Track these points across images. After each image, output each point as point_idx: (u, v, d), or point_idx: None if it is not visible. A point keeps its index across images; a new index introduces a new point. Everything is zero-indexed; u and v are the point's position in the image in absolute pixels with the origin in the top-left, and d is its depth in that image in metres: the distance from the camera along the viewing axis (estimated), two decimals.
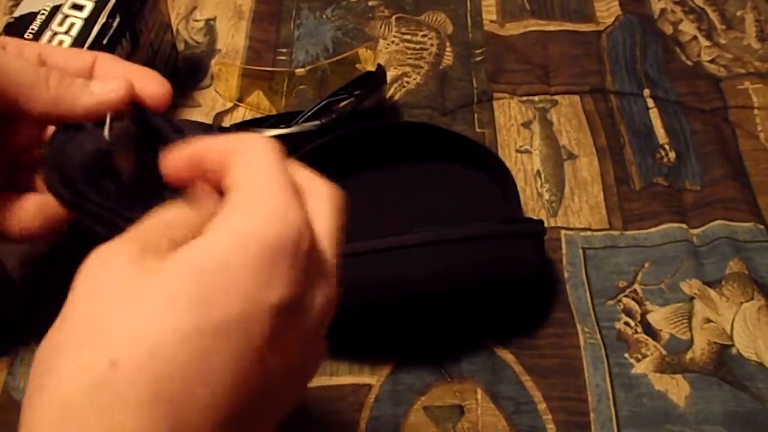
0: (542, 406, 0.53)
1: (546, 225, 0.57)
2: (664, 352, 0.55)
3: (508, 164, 0.61)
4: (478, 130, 0.68)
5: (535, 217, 0.61)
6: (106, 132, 0.34)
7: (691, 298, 0.57)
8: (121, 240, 0.28)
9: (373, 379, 0.54)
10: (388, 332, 0.56)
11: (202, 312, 0.25)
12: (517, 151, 0.67)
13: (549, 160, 0.66)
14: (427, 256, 0.51)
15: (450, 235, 0.51)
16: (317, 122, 0.63)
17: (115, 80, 0.35)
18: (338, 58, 0.73)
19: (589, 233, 0.61)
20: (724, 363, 0.54)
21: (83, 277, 0.27)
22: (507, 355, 0.55)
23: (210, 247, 0.26)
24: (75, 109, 0.34)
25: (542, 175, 0.65)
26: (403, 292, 0.51)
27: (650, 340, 0.55)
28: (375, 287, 0.51)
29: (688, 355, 0.55)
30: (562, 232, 0.61)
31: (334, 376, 0.55)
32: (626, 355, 0.55)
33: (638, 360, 0.55)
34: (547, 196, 0.64)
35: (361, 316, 0.53)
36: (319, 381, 0.54)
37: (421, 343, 0.56)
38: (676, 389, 0.53)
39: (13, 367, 0.56)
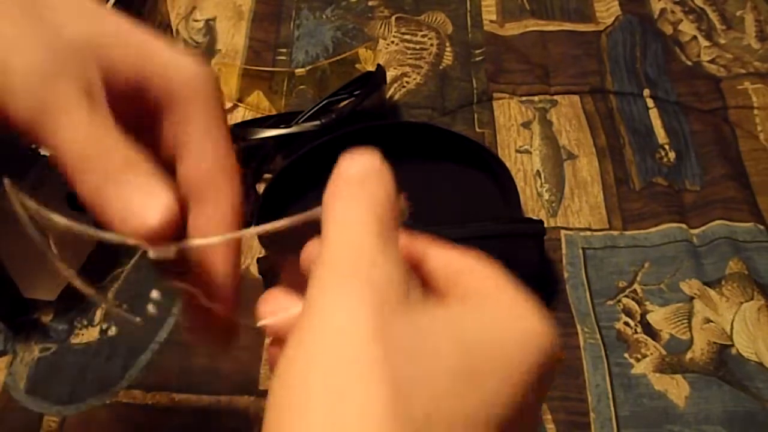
0: (542, 406, 0.53)
1: (546, 225, 0.57)
2: (664, 352, 0.55)
3: (507, 164, 0.61)
4: (478, 130, 0.68)
5: (534, 218, 0.61)
6: None
7: (691, 298, 0.57)
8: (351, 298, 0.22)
9: None
10: None
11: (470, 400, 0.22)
12: (517, 151, 0.67)
13: (549, 160, 0.66)
14: None
15: (449, 236, 0.51)
16: (317, 122, 0.63)
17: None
18: (338, 58, 0.73)
19: (588, 233, 0.61)
20: (724, 363, 0.54)
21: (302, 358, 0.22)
22: None
23: (491, 324, 0.24)
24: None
25: (542, 175, 0.65)
26: None
27: (650, 340, 0.55)
28: None
29: (688, 355, 0.55)
30: (562, 232, 0.61)
31: None
32: (626, 355, 0.55)
33: (638, 360, 0.54)
34: (546, 196, 0.64)
35: None
36: None
37: None
38: (676, 389, 0.53)
39: (12, 367, 0.56)
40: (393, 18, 0.78)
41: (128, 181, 0.26)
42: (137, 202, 0.26)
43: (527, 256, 0.53)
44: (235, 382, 0.55)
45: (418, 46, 0.76)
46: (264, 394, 0.54)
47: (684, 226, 0.61)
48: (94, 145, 0.27)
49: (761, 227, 0.61)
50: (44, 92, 0.27)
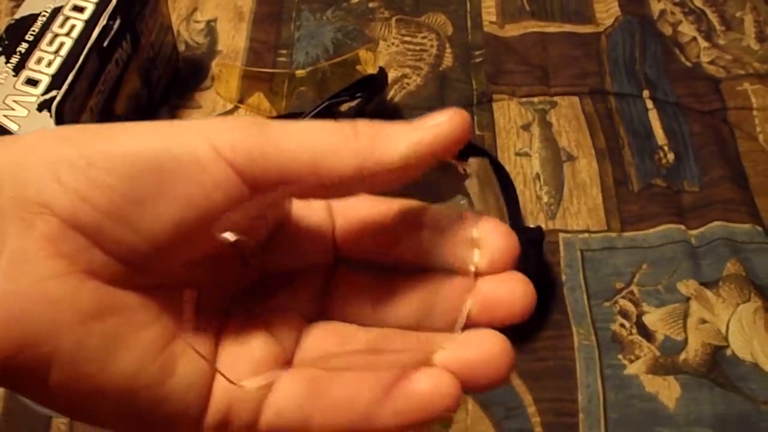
0: (531, 409, 0.53)
1: (544, 227, 0.58)
2: (658, 353, 0.55)
3: (507, 167, 0.61)
4: (477, 132, 0.69)
5: (533, 224, 0.61)
6: None
7: (688, 299, 0.57)
8: None
9: None
10: None
11: None
12: (517, 154, 0.67)
13: (548, 162, 0.66)
14: None
15: None
16: None
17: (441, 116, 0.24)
18: (339, 59, 0.73)
19: (587, 235, 0.62)
20: (717, 365, 0.54)
21: None
22: None
23: None
24: (391, 154, 0.24)
25: (541, 178, 0.65)
26: None
27: (644, 342, 0.56)
28: None
29: (682, 356, 0.55)
30: (560, 235, 0.61)
31: None
32: (620, 356, 0.55)
33: (631, 361, 0.55)
34: (545, 198, 0.64)
35: None
36: None
37: None
38: (667, 391, 0.53)
39: None
40: (393, 19, 0.78)
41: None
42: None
43: (526, 263, 0.54)
44: None
45: (418, 48, 0.76)
46: None
47: (682, 227, 0.62)
48: None
49: (759, 228, 0.61)
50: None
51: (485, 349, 0.25)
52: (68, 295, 0.21)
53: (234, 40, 0.77)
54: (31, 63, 0.56)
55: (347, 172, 0.23)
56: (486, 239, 0.26)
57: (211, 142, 0.22)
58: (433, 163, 0.25)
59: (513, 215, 0.58)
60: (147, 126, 0.23)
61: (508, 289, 0.26)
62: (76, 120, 0.57)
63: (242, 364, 0.24)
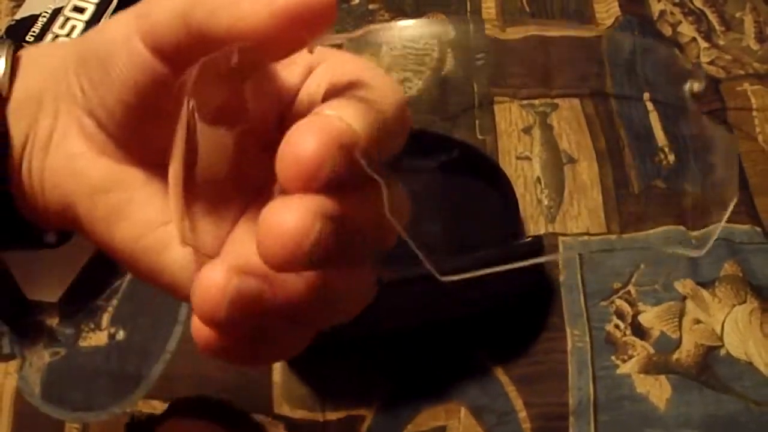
0: (522, 414, 0.53)
1: (543, 231, 0.58)
2: (652, 351, 0.55)
3: (508, 171, 0.61)
4: (479, 136, 0.69)
5: (533, 227, 0.61)
6: None
7: (684, 298, 0.58)
8: None
9: (366, 410, 0.55)
10: (383, 360, 0.56)
11: None
12: (517, 157, 0.67)
13: (549, 165, 0.66)
14: (420, 289, 0.49)
15: (448, 266, 0.51)
16: None
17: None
18: None
19: (586, 238, 0.62)
20: (708, 367, 0.54)
21: None
22: (497, 365, 0.55)
23: None
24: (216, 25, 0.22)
25: (542, 181, 0.65)
26: (397, 323, 0.51)
27: (638, 341, 0.56)
28: (372, 319, 0.51)
29: (675, 356, 0.55)
30: (560, 238, 0.62)
31: (327, 411, 0.55)
32: (613, 357, 0.55)
33: (624, 361, 0.55)
34: (546, 201, 0.64)
35: (355, 346, 0.54)
36: (314, 416, 0.55)
37: (415, 366, 0.56)
38: (658, 391, 0.53)
39: (23, 371, 0.56)
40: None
41: None
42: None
43: (526, 274, 0.54)
44: (246, 396, 0.55)
45: (420, 51, 0.76)
46: (278, 416, 0.55)
47: (682, 228, 0.62)
48: None
49: (758, 229, 0.61)
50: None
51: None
52: (85, 170, 0.25)
53: None
54: None
55: (180, 37, 0.23)
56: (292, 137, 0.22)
57: (128, 22, 0.24)
58: (297, 45, 0.23)
59: (513, 220, 0.58)
60: (107, 23, 0.25)
61: (267, 219, 0.21)
62: None
63: (238, 253, 0.25)
